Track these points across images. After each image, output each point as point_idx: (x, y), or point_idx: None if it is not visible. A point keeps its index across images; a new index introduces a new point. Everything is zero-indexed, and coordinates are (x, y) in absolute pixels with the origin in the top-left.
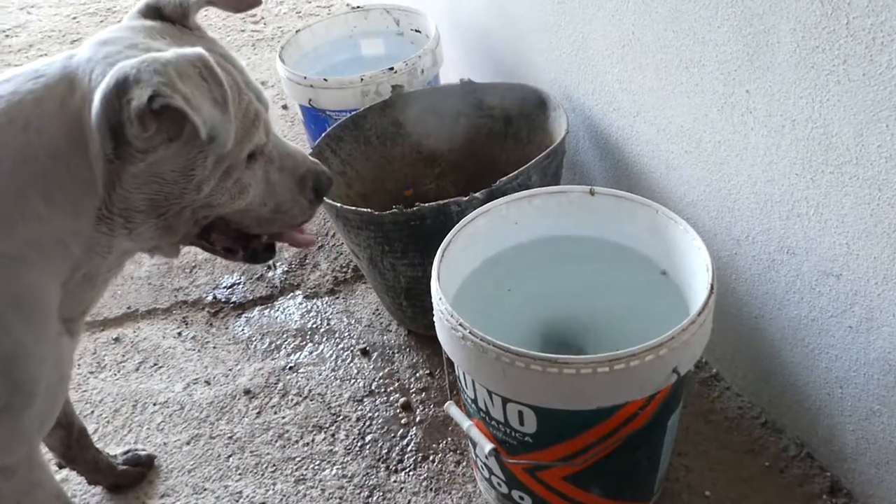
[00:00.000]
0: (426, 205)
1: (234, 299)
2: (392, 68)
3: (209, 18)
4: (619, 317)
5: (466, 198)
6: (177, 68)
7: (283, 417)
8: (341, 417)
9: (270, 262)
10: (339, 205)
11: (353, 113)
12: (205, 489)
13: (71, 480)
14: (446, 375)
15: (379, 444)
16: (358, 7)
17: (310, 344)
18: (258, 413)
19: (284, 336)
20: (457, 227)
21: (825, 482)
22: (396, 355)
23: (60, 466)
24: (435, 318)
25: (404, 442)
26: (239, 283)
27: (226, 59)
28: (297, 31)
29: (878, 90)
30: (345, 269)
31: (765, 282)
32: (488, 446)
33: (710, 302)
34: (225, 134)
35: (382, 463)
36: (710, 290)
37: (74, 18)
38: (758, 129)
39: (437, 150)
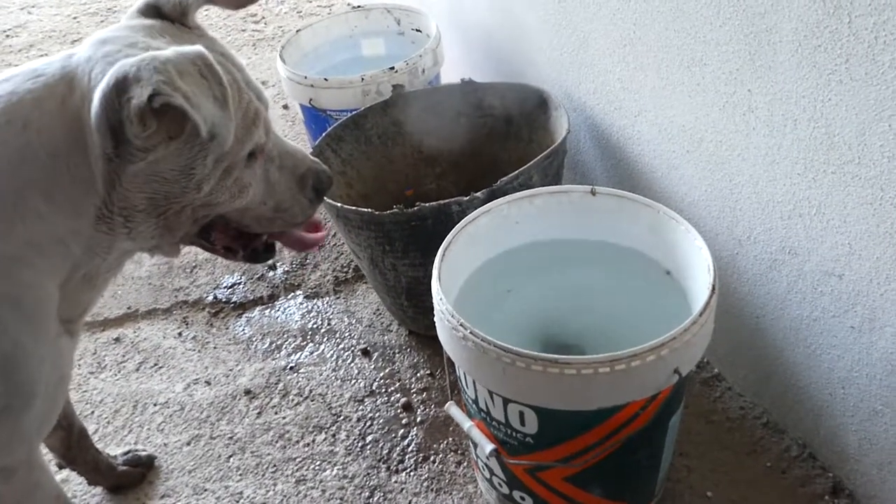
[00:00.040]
0: (427, 205)
1: (234, 299)
2: (393, 68)
3: (210, 18)
4: (620, 317)
5: (467, 198)
6: (177, 66)
7: (284, 418)
8: (342, 418)
9: (271, 261)
10: (339, 205)
11: (353, 113)
12: (205, 490)
13: (71, 481)
14: (447, 376)
15: (380, 445)
16: (359, 6)
17: (310, 344)
18: (259, 413)
19: (285, 336)
20: (458, 226)
21: (827, 483)
22: (397, 355)
23: (60, 467)
24: (436, 319)
25: (405, 442)
26: (239, 283)
27: (225, 58)
28: (297, 31)
29: (880, 89)
30: (345, 269)
31: (767, 282)
32: (489, 447)
33: (711, 302)
34: (225, 132)
35: (383, 463)
36: (712, 290)
37: (75, 18)
38: (759, 129)
39: (438, 150)
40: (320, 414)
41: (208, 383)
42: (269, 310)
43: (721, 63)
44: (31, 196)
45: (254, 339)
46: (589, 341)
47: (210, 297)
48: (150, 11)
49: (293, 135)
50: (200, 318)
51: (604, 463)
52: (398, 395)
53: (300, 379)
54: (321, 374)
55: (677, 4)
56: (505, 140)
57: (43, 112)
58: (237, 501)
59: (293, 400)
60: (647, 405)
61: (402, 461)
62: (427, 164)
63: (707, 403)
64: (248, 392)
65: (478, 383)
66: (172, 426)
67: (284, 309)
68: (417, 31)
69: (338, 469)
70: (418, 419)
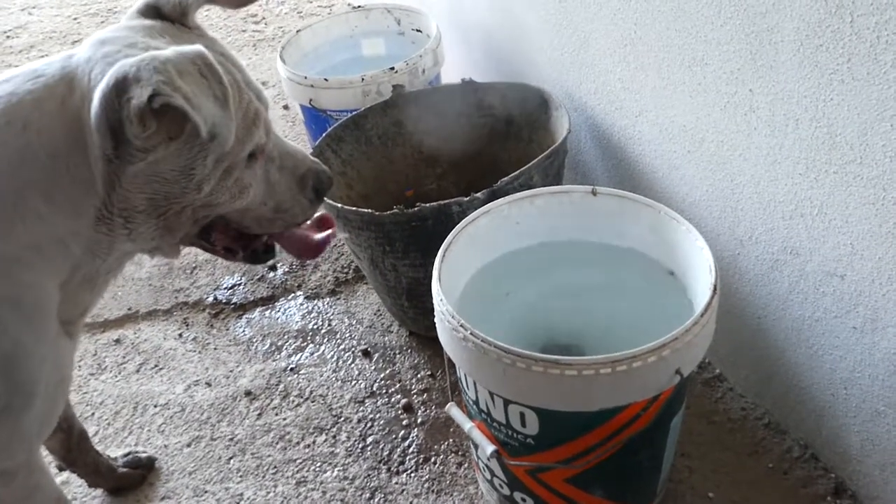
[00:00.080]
0: (427, 205)
1: (234, 300)
2: (393, 68)
3: (210, 19)
4: (621, 318)
5: (468, 198)
6: (177, 66)
7: (284, 419)
8: (342, 419)
9: (271, 262)
10: (340, 205)
11: (353, 113)
12: (205, 491)
13: (71, 483)
14: (448, 377)
15: (380, 446)
16: (359, 7)
17: (311, 345)
18: (259, 415)
19: (285, 337)
20: (458, 227)
21: (829, 484)
22: (398, 356)
23: (61, 469)
24: (436, 319)
25: (406, 443)
26: (240, 284)
27: (225, 58)
28: (297, 31)
29: (882, 89)
30: (346, 270)
31: (768, 282)
32: (490, 448)
33: (713, 302)
34: (225, 132)
35: (384, 464)
36: (713, 290)
37: (75, 19)
38: (761, 129)
39: (439, 151)
40: (321, 415)
41: (209, 384)
42: (269, 311)
43: (722, 63)
44: (31, 197)
45: (254, 340)
46: (590, 342)
47: (210, 299)
48: (150, 12)
49: (293, 135)
50: (201, 319)
51: (605, 464)
52: (399, 396)
53: (301, 380)
54: (322, 376)
55: (678, 4)
56: (505, 140)
57: (43, 113)
58: (237, 503)
59: (293, 401)
60: (648, 406)
61: (402, 462)
62: (427, 165)
63: (709, 404)
64: (248, 393)
65: (478, 384)
66: (173, 428)
67: (285, 310)
68: (418, 31)
69: (338, 470)
70: (419, 420)
